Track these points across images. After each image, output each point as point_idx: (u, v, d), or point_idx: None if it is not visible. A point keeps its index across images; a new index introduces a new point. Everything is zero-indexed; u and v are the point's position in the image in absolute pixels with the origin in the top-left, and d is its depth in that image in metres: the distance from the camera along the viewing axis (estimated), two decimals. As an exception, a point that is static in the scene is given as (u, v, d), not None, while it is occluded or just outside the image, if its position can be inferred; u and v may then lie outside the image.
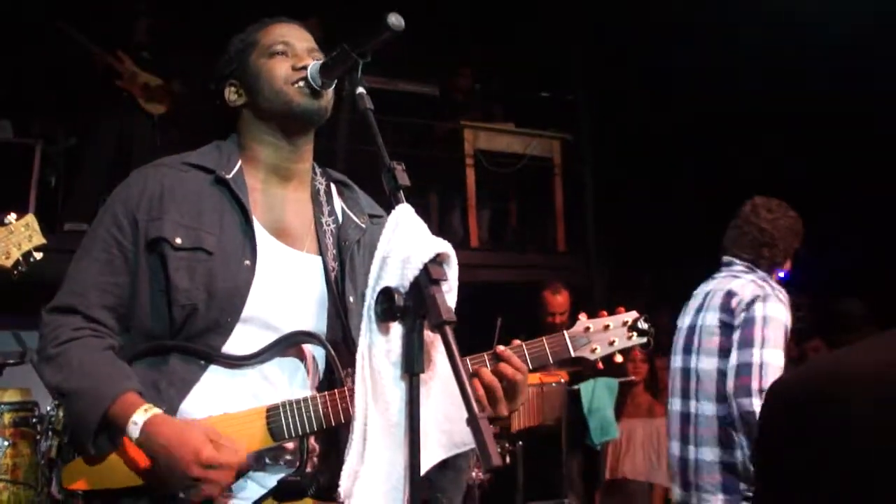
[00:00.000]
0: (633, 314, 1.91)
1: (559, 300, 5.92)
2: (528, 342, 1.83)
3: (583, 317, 1.90)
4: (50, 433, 3.56)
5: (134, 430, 1.67)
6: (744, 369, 3.05)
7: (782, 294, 3.21)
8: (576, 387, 5.65)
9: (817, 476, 0.97)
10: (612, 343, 1.88)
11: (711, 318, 3.27)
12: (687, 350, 3.35)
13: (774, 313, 3.12)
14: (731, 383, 3.10)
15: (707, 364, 3.23)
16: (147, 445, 1.67)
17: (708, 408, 3.21)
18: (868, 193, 6.63)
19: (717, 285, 3.35)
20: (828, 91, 6.48)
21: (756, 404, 3.01)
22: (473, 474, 4.83)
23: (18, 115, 6.75)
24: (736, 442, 3.12)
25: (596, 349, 1.86)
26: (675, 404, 3.39)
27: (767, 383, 3.00)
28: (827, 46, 6.24)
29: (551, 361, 1.84)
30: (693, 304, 3.43)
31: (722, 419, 3.17)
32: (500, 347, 1.79)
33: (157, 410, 1.70)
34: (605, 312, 1.91)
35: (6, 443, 3.76)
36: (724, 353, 3.19)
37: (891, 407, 0.92)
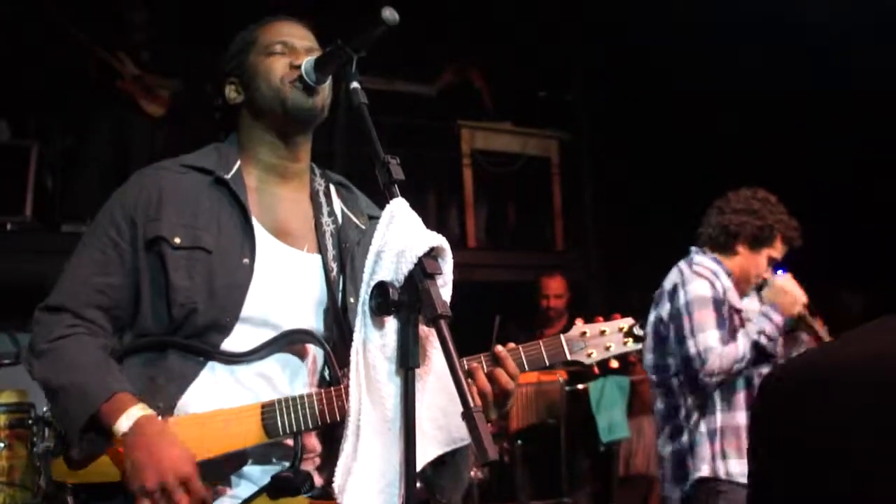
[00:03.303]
0: (629, 320, 1.93)
1: (553, 284, 6.09)
2: (525, 345, 1.84)
3: (579, 322, 1.92)
4: (46, 432, 3.55)
5: (126, 423, 1.65)
6: (687, 363, 3.10)
7: (702, 267, 3.20)
8: (583, 385, 5.64)
9: (817, 471, 0.96)
10: (608, 348, 1.90)
11: (653, 317, 3.32)
12: (648, 349, 3.40)
13: (695, 293, 3.13)
14: (679, 378, 3.17)
15: (658, 359, 3.29)
16: (133, 438, 1.64)
17: (660, 403, 3.29)
18: (880, 188, 6.61)
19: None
20: (835, 88, 6.46)
21: (708, 382, 3.07)
22: (472, 473, 4.82)
23: (15, 115, 6.72)
24: (685, 429, 3.16)
25: (592, 353, 1.89)
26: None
27: (713, 367, 3.05)
28: (828, 48, 6.22)
29: (547, 364, 1.86)
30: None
31: (671, 409, 3.24)
32: (498, 348, 1.79)
33: (153, 412, 1.69)
34: (601, 318, 1.93)
35: (2, 444, 3.75)
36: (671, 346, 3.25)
37: (888, 397, 0.91)
